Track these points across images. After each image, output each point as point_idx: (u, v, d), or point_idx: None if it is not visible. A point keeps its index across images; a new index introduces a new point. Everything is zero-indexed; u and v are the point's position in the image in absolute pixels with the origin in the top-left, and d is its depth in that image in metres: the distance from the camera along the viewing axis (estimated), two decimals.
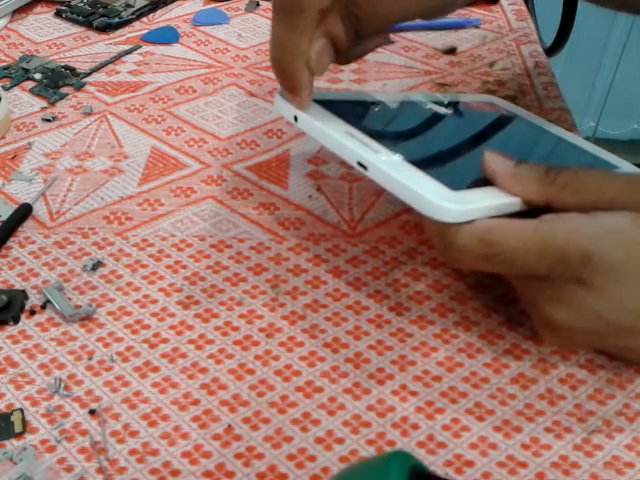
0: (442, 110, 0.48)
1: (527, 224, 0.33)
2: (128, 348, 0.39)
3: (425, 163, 0.35)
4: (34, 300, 0.41)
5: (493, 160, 0.36)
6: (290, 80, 0.38)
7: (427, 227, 0.35)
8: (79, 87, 0.60)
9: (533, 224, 0.33)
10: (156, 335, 0.40)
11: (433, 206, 0.33)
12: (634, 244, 0.32)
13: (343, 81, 0.61)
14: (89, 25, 0.69)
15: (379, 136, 0.37)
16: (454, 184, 0.34)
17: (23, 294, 0.41)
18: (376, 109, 0.44)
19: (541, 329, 0.36)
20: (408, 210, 0.48)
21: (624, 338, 0.35)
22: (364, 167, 0.35)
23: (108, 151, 0.53)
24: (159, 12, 0.72)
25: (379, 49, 0.50)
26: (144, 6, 0.71)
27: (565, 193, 0.34)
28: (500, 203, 0.34)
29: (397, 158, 0.35)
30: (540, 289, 0.34)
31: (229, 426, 0.35)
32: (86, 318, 0.40)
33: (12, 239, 0.45)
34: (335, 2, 0.37)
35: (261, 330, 0.40)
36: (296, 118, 0.39)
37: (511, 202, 0.35)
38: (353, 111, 0.42)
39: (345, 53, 0.39)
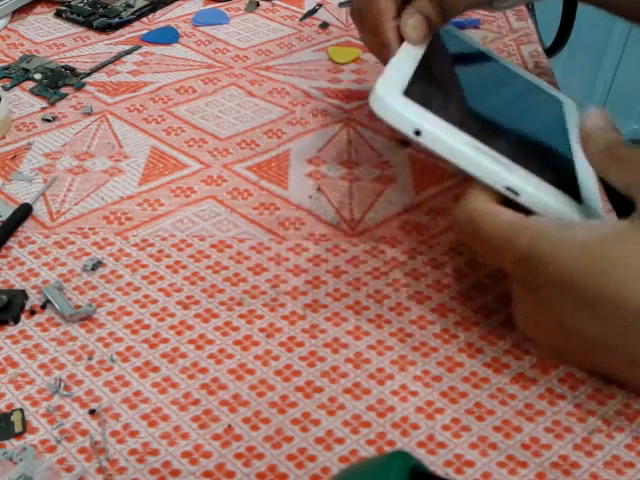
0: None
1: (508, 215, 0.35)
2: (128, 348, 0.39)
3: (549, 175, 0.37)
4: (34, 300, 0.41)
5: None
6: (380, 37, 0.45)
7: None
8: (79, 87, 0.60)
9: (511, 217, 0.34)
10: (156, 335, 0.40)
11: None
12: (592, 263, 0.32)
13: (343, 81, 0.61)
14: (89, 25, 0.69)
15: (499, 145, 0.36)
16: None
17: (23, 294, 0.41)
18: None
19: (516, 321, 0.38)
20: (408, 210, 0.48)
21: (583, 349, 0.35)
22: (515, 192, 0.35)
23: (108, 151, 0.53)
24: (159, 12, 0.72)
25: None
26: (144, 6, 0.71)
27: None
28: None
29: (538, 180, 0.36)
30: (517, 290, 0.37)
31: (229, 426, 0.35)
32: (86, 318, 0.40)
33: (12, 239, 0.45)
34: None
35: (261, 330, 0.40)
36: (418, 132, 0.34)
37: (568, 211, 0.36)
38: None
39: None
